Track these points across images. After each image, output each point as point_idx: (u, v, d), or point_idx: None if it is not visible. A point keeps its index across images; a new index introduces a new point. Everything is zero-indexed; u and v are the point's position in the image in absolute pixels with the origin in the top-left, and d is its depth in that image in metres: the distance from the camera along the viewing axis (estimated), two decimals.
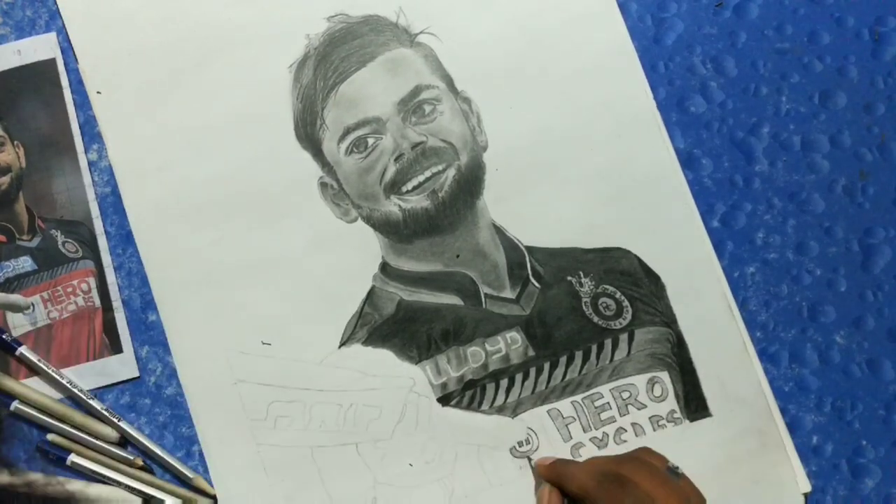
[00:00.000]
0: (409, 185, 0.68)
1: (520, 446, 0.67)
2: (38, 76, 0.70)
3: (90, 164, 0.70)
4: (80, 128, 0.70)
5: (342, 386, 0.67)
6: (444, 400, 0.67)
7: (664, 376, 0.68)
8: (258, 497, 0.66)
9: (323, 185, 0.69)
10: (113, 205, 0.69)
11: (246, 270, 0.68)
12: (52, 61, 0.70)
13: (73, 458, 0.66)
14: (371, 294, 0.68)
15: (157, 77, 0.70)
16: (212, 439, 0.67)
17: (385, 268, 0.69)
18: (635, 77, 0.71)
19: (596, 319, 0.68)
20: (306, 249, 0.69)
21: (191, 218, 0.69)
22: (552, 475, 0.64)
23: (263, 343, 0.67)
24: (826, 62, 0.71)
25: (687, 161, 0.70)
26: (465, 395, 0.67)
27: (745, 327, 0.68)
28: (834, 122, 0.71)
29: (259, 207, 0.69)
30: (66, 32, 0.70)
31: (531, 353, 0.68)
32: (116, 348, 0.68)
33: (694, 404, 0.68)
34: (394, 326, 0.68)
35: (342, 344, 0.68)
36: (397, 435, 0.67)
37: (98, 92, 0.69)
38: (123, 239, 0.69)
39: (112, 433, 0.66)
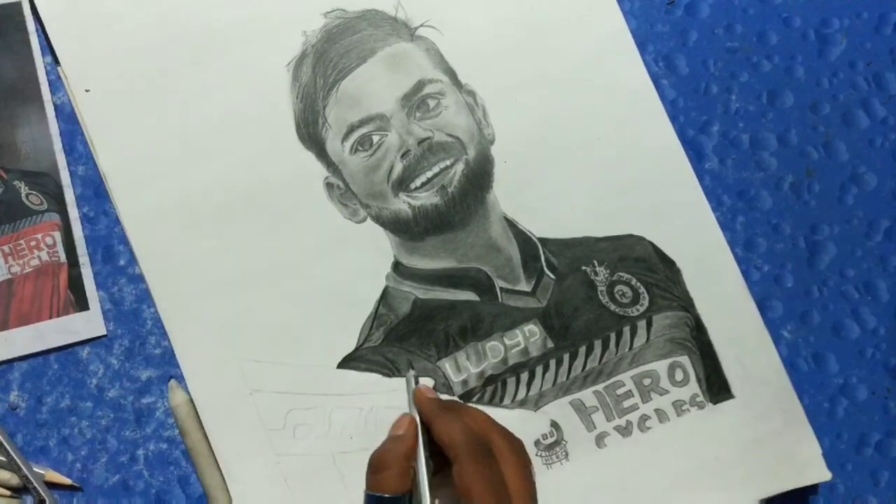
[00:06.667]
0: (418, 182, 0.67)
1: (543, 439, 0.66)
2: (3, 21, 0.66)
3: (57, 111, 0.67)
4: (46, 74, 0.67)
5: (361, 389, 0.65)
6: (466, 397, 0.66)
7: (685, 360, 0.68)
8: None
9: (329, 186, 0.67)
10: (84, 155, 0.67)
11: (253, 277, 0.66)
12: (18, 5, 0.66)
13: None
14: (385, 294, 0.67)
15: (149, 80, 0.67)
16: (229, 454, 0.64)
17: (398, 267, 0.67)
18: (636, 63, 0.71)
19: (613, 307, 0.68)
20: (315, 252, 0.67)
21: (192, 226, 0.66)
22: (428, 412, 0.57)
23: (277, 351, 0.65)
24: (774, 62, 0.72)
25: None
26: (486, 390, 0.66)
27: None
28: (781, 121, 0.72)
29: (263, 211, 0.67)
30: (46, 35, 0.67)
31: (550, 344, 0.67)
32: (82, 305, 0.65)
33: (716, 387, 0.68)
34: (410, 326, 0.67)
35: (359, 346, 0.66)
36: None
37: (87, 90, 0.66)
38: (93, 191, 0.67)
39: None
